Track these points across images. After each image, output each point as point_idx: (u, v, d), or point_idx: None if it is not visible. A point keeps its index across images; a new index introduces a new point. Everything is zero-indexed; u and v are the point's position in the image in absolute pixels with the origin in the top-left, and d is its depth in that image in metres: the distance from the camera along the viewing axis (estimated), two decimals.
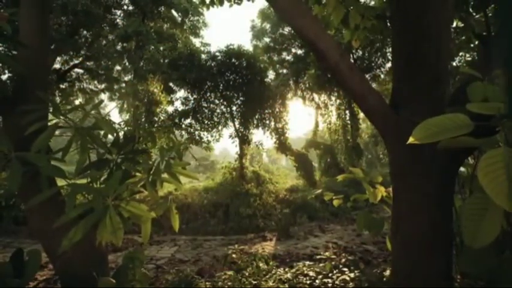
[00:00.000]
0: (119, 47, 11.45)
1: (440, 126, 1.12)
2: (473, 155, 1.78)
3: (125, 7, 11.28)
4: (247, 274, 2.32)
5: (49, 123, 1.41)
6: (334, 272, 2.30)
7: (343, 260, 2.82)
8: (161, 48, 10.42)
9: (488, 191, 0.95)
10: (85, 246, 1.42)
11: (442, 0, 1.45)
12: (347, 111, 12.21)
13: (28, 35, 1.53)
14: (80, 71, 12.62)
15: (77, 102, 12.81)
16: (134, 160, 1.52)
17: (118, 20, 11.21)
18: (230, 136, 10.59)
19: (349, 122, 12.21)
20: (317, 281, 2.12)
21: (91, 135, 1.37)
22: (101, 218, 1.04)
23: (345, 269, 2.30)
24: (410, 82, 1.55)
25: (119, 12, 11.30)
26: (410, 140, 1.14)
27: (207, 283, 2.17)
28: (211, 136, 10.75)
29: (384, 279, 2.23)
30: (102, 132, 1.77)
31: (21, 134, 1.35)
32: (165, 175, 1.49)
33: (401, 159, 1.66)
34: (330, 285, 2.04)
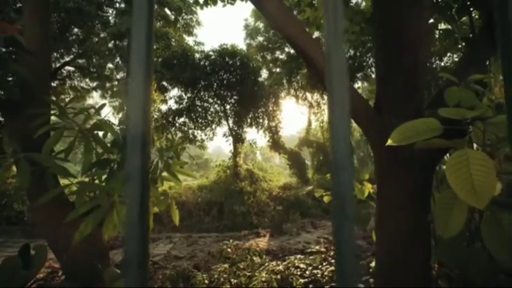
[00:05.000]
0: (110, 45, 11.36)
1: (414, 129, 1.25)
2: (449, 154, 1.93)
3: (117, 4, 11.19)
4: (241, 267, 2.45)
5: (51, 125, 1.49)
6: (324, 264, 2.45)
7: (333, 253, 2.97)
8: (154, 47, 10.39)
9: (454, 186, 1.07)
10: (88, 241, 1.51)
11: (418, 13, 1.57)
12: None
13: (31, 41, 1.60)
14: (71, 68, 12.48)
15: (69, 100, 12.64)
16: None
17: (110, 18, 11.11)
18: (224, 135, 10.67)
19: None
20: (307, 272, 2.26)
21: (94, 137, 1.46)
22: (107, 214, 1.14)
23: (334, 261, 2.44)
24: (391, 88, 1.68)
25: (110, 10, 11.20)
26: (389, 142, 1.26)
27: (203, 275, 2.28)
28: (205, 135, 10.81)
29: (370, 270, 2.37)
30: (101, 133, 1.86)
31: (24, 135, 1.43)
32: (164, 174, 1.59)
33: (383, 158, 1.79)
34: (319, 275, 2.18)
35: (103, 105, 1.65)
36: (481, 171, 1.06)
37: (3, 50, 1.30)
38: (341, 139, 0.16)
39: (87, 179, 1.60)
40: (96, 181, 1.50)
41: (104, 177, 1.62)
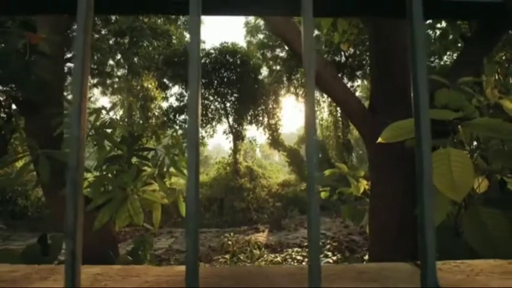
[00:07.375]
0: (111, 42, 11.40)
1: (403, 128, 1.36)
2: None
3: None
4: (241, 258, 2.58)
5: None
6: (321, 256, 2.56)
7: (328, 246, 3.10)
8: (155, 44, 10.46)
9: (435, 182, 1.19)
10: (101, 232, 1.62)
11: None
12: (338, 108, 12.49)
13: (49, 46, 1.70)
14: (72, 65, 12.50)
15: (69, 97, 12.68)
16: (142, 156, 1.72)
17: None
18: (224, 132, 10.78)
19: (340, 118, 12.51)
20: (303, 263, 2.38)
21: (106, 135, 1.57)
22: (120, 205, 1.25)
23: (329, 254, 2.57)
24: (383, 91, 1.79)
25: None
26: (379, 139, 1.38)
27: (205, 265, 2.41)
28: (205, 132, 10.91)
29: (364, 262, 2.50)
30: (109, 131, 1.97)
31: (44, 134, 1.54)
32: (171, 169, 1.71)
33: (376, 156, 1.91)
34: None
35: (114, 105, 1.75)
36: (460, 167, 1.18)
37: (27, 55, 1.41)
38: (311, 139, 0.26)
39: (97, 174, 1.71)
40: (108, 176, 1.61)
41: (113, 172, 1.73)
